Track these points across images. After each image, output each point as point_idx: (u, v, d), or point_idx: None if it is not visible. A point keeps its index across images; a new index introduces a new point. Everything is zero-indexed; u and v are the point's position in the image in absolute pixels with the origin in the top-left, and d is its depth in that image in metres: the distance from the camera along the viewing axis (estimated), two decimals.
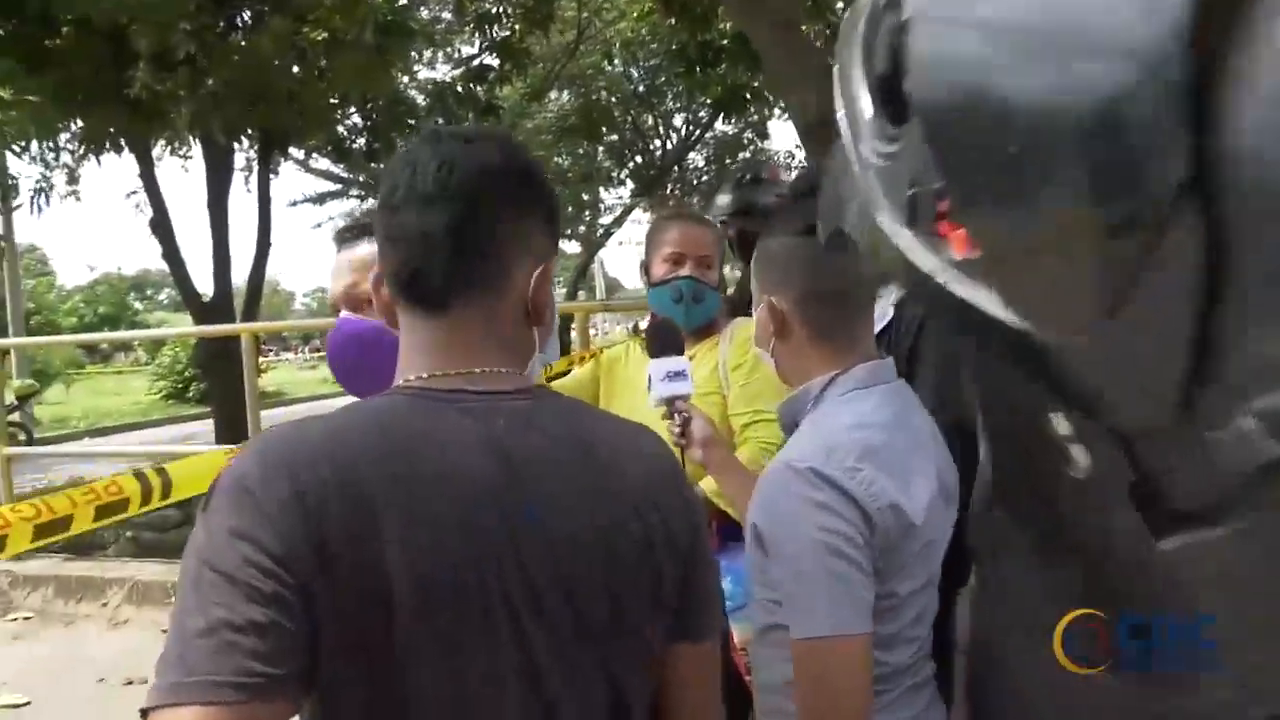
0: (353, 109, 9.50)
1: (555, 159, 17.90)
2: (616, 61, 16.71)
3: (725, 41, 7.83)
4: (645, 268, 2.17)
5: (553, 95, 16.18)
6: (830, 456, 1.24)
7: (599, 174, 18.58)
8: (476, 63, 8.90)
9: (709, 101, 10.27)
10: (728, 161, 21.44)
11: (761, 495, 1.28)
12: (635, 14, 11.52)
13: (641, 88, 18.21)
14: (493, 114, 9.00)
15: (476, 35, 8.84)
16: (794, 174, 3.16)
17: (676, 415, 1.77)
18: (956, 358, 1.96)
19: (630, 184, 20.60)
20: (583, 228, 19.91)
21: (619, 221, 20.41)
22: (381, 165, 12.32)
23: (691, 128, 20.48)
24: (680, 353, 1.84)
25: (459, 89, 8.77)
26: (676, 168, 20.68)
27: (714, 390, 2.03)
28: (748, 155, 20.93)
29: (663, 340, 1.85)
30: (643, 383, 2.04)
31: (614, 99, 16.62)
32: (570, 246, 21.59)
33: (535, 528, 0.83)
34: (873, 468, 1.23)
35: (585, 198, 19.12)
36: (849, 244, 0.99)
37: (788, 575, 1.21)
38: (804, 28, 4.61)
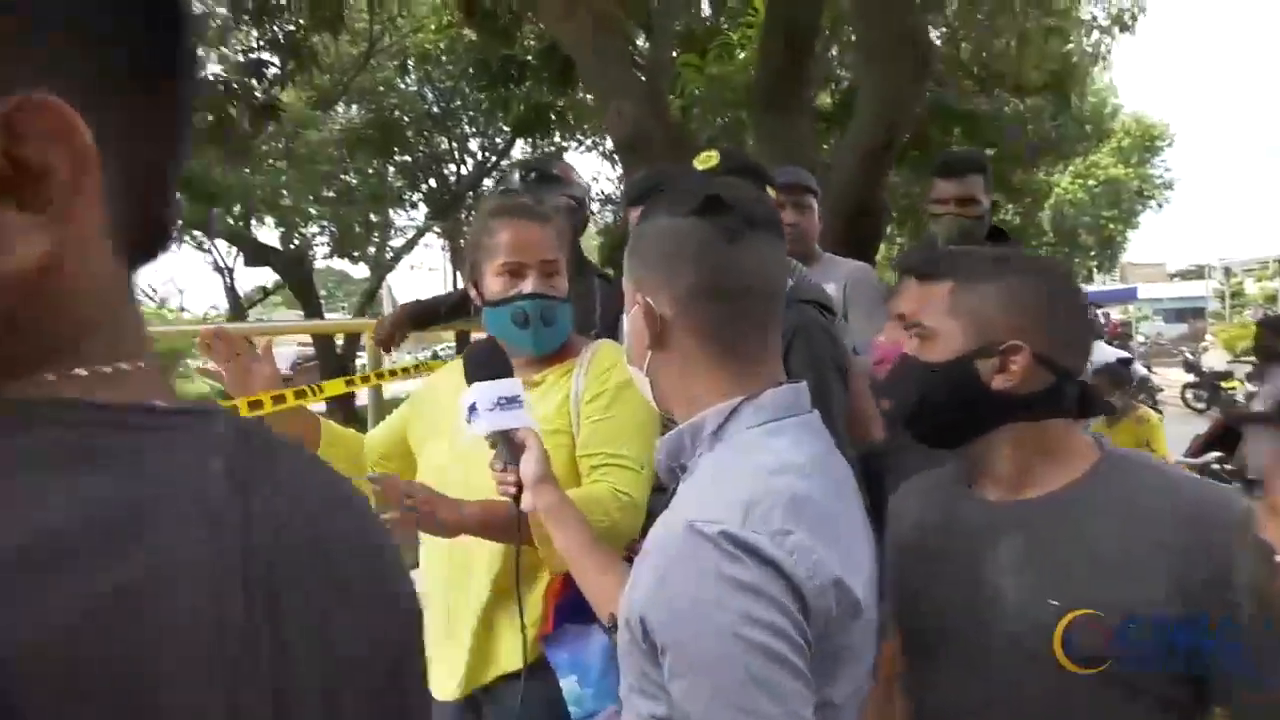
0: None
1: (343, 175, 16.84)
2: (411, 78, 16.03)
3: (529, 58, 7.52)
4: (474, 280, 1.75)
5: (340, 108, 15.23)
6: (749, 514, 0.88)
7: (390, 194, 17.66)
8: (254, 57, 8.05)
9: (509, 124, 9.91)
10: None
11: (653, 572, 0.90)
12: (434, 25, 10.99)
13: (437, 109, 17.58)
14: (270, 115, 8.16)
15: (254, 29, 8.02)
16: (580, 182, 2.80)
17: (504, 457, 1.37)
18: (837, 370, 1.72)
19: (424, 207, 19.81)
20: (371, 250, 18.82)
21: (410, 245, 19.51)
22: None
23: (488, 153, 20.01)
24: (508, 373, 1.44)
25: (233, 84, 7.88)
26: (471, 194, 20.12)
27: (562, 428, 1.64)
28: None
29: (486, 362, 1.45)
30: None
31: (407, 118, 15.88)
32: (358, 270, 20.40)
33: None
34: (805, 530, 0.89)
35: (375, 219, 18.08)
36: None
37: (697, 692, 0.83)
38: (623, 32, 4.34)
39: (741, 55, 4.87)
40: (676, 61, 4.79)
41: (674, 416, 1.08)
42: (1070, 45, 9.29)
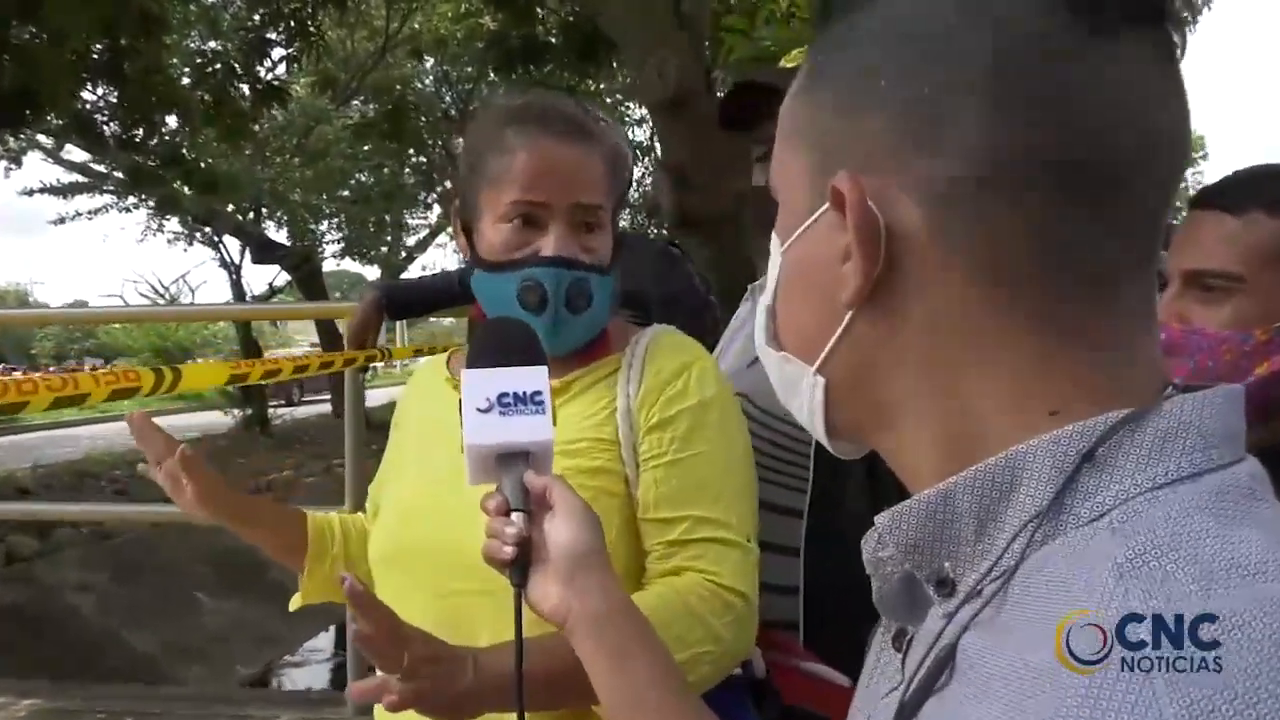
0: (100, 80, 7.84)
1: (357, 175, 16.40)
2: (427, 73, 15.60)
3: (550, 39, 6.98)
4: (464, 224, 1.11)
5: (356, 103, 14.78)
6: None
7: (402, 193, 17.19)
8: (255, 35, 7.54)
9: None
10: None
11: None
12: (450, 14, 10.49)
13: (454, 111, 17.16)
14: (275, 98, 7.64)
15: (260, 6, 7.51)
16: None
17: (506, 493, 0.78)
18: None
19: (438, 208, 19.39)
20: (384, 249, 18.35)
21: (424, 245, 19.03)
22: (140, 157, 10.62)
23: None
24: (534, 359, 0.85)
25: (233, 64, 7.36)
26: None
27: (605, 465, 1.01)
28: None
29: (498, 339, 0.88)
30: (450, 425, 1.06)
31: (425, 119, 15.43)
32: (372, 271, 19.96)
33: None
34: None
35: (387, 218, 17.62)
36: None
37: None
38: None
39: (792, 23, 4.31)
40: (719, 25, 4.24)
41: (887, 458, 0.51)
42: None
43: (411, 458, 1.12)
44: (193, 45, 10.19)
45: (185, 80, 8.40)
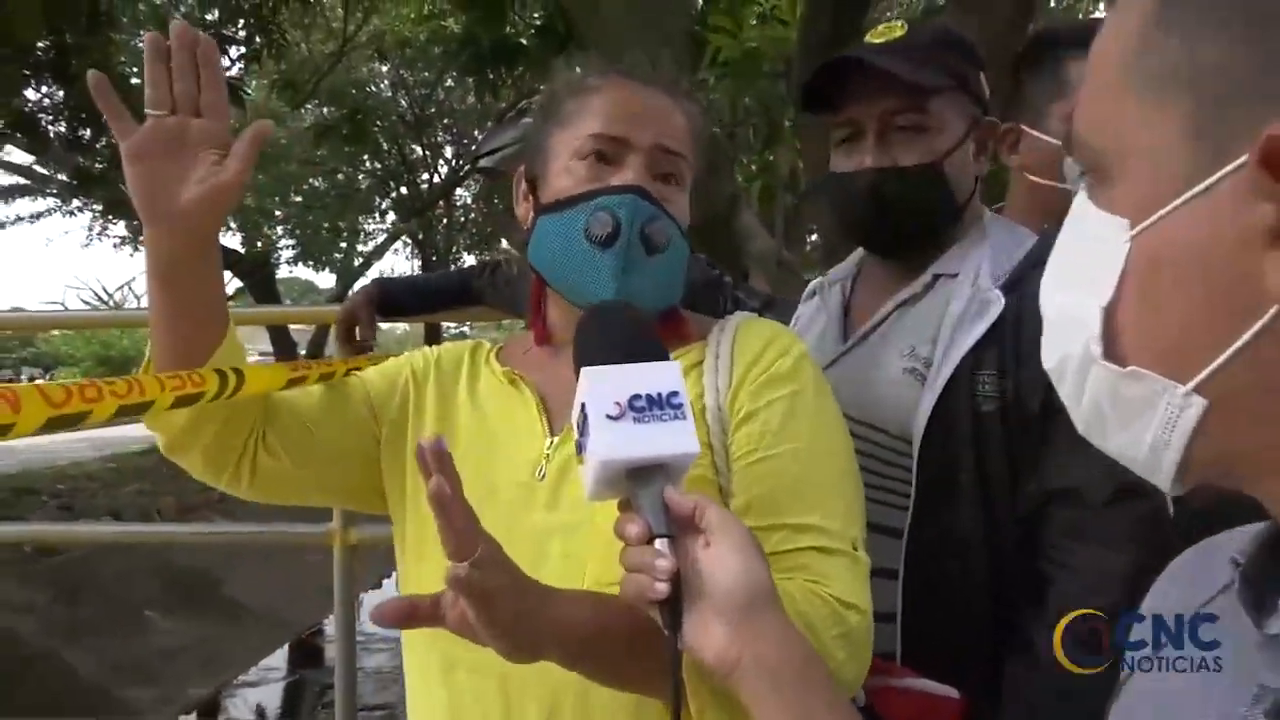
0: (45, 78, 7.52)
1: (311, 180, 16.05)
2: (385, 78, 15.36)
3: (523, 40, 6.85)
4: (528, 181, 0.98)
5: (310, 106, 14.46)
6: None
7: (358, 198, 16.87)
8: (213, 32, 7.28)
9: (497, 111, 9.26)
10: (496, 201, 20.42)
11: None
12: (413, 15, 10.29)
13: (411, 115, 16.92)
14: (232, 98, 7.38)
15: (217, 2, 7.26)
16: None
17: (647, 515, 0.65)
18: None
19: (393, 215, 19.08)
20: (339, 255, 17.97)
21: (381, 250, 18.69)
22: (87, 159, 10.21)
23: (463, 161, 19.32)
24: (658, 351, 0.73)
25: None
26: (443, 202, 19.44)
27: (700, 469, 0.86)
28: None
29: (610, 328, 0.76)
30: (516, 428, 0.95)
31: (381, 123, 15.17)
32: (324, 279, 19.53)
33: None
34: None
35: (342, 224, 17.26)
36: None
37: None
38: None
39: (782, 27, 4.23)
40: (706, 25, 4.15)
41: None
42: None
43: (468, 473, 0.98)
44: (141, 44, 9.83)
45: (136, 80, 8.09)
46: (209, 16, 7.74)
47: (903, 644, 1.04)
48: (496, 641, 0.68)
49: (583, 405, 0.67)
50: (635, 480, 0.66)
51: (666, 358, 0.72)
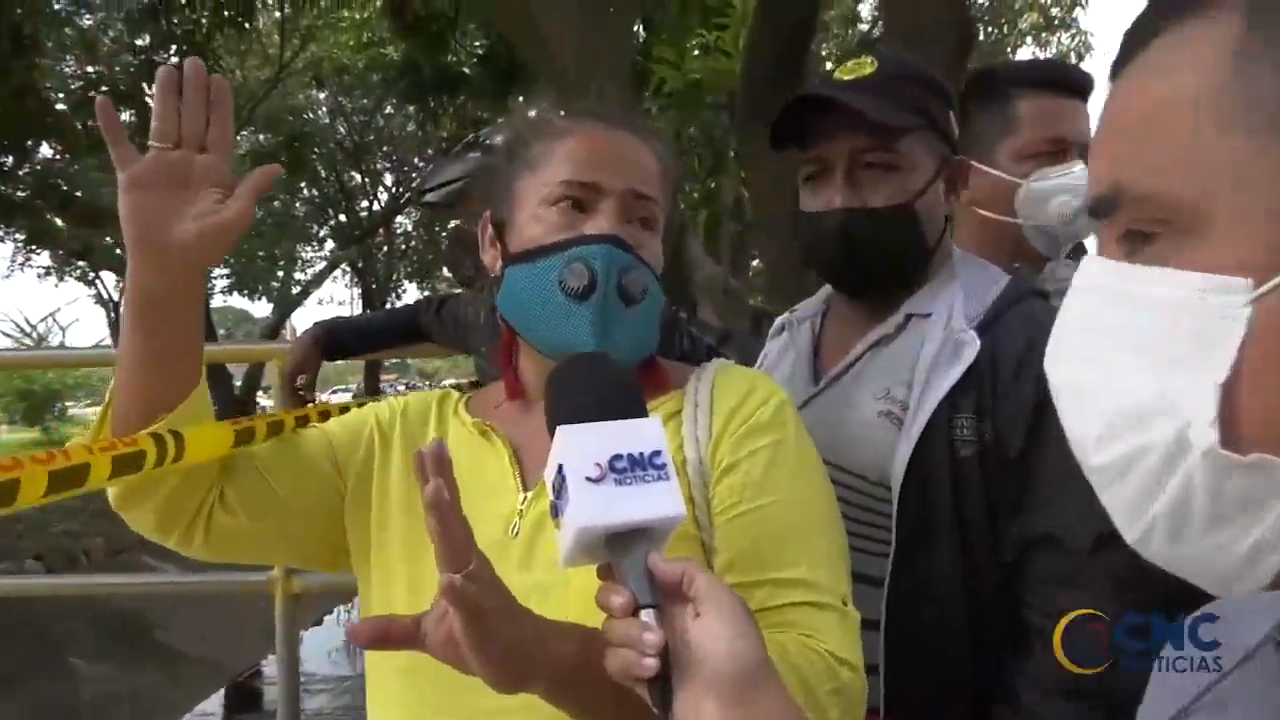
0: None
1: None
2: (323, 104, 15.17)
3: (465, 70, 6.82)
4: (494, 225, 0.95)
5: (245, 133, 14.20)
6: None
7: (294, 226, 16.58)
8: (144, 57, 7.10)
9: (438, 140, 9.16)
10: (437, 228, 20.24)
11: None
12: (352, 42, 10.19)
13: (350, 142, 16.75)
14: None
15: (148, 26, 7.09)
16: None
17: (630, 585, 0.60)
18: None
19: (332, 243, 18.80)
20: (275, 284, 17.60)
21: (320, 279, 18.36)
22: (9, 187, 9.84)
23: (402, 188, 19.14)
24: (637, 409, 0.68)
25: (119, 86, 6.90)
26: (383, 230, 19.23)
27: (682, 526, 0.76)
28: (460, 224, 19.92)
29: (585, 382, 0.71)
30: (487, 482, 0.90)
31: (318, 150, 14.97)
32: (260, 307, 19.10)
33: None
34: None
35: (279, 252, 16.93)
36: None
37: None
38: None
39: (725, 59, 4.27)
40: (649, 57, 4.15)
41: None
42: None
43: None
44: (68, 69, 9.55)
45: (61, 105, 7.85)
46: (139, 42, 7.57)
47: (886, 696, 1.01)
48: (486, 668, 0.63)
49: (559, 466, 0.63)
50: (616, 546, 0.61)
51: (645, 414, 0.68)
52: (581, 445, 0.63)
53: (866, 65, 1.12)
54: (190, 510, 0.90)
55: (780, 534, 0.82)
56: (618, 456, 0.62)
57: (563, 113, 0.95)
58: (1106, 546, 0.93)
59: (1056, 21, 12.37)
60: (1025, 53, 12.56)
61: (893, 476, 1.02)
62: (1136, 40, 0.42)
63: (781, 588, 0.80)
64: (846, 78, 1.11)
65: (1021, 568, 0.99)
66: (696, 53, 4.40)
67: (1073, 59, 11.79)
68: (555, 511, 0.64)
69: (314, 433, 1.00)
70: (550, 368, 0.88)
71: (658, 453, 0.63)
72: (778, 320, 1.31)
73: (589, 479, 0.61)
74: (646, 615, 0.59)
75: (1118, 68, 0.43)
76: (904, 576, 1.01)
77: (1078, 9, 12.32)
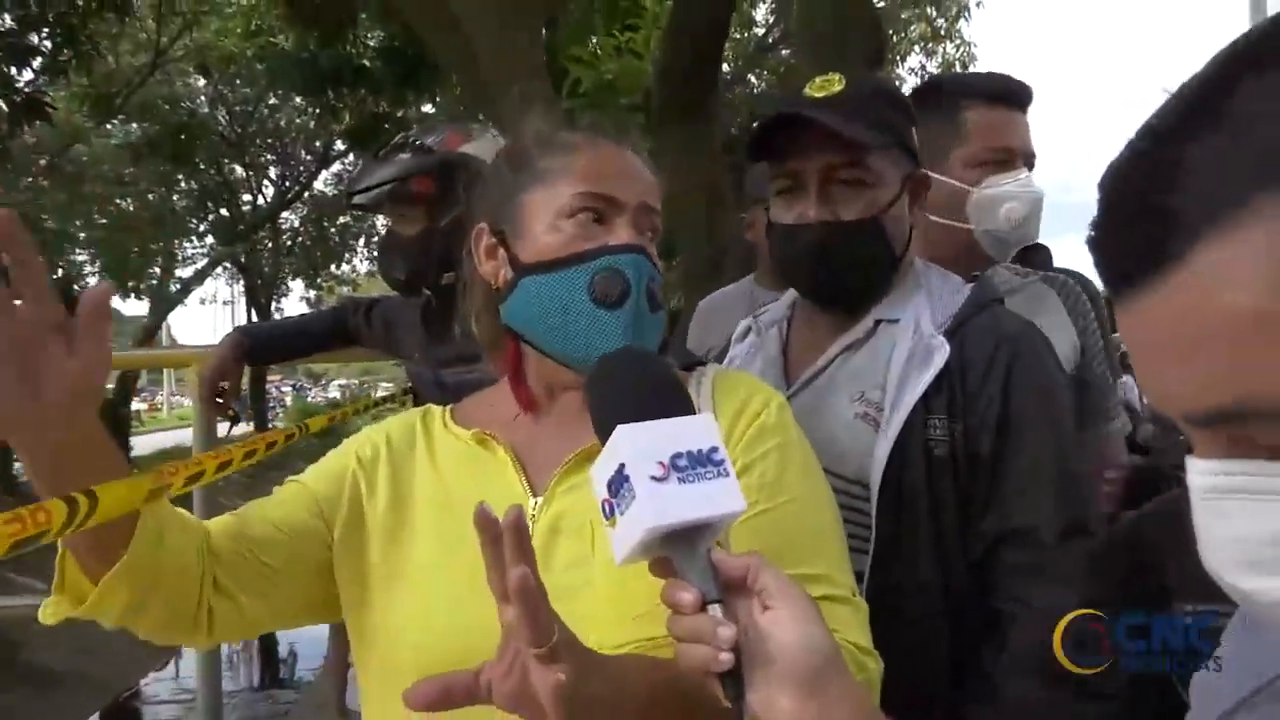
0: None
1: (118, 200, 14.84)
2: (202, 100, 14.51)
3: (365, 62, 6.64)
4: (496, 235, 0.94)
5: (116, 124, 13.44)
6: None
7: (172, 220, 15.77)
8: (10, 42, 6.64)
9: (338, 134, 8.88)
10: (326, 224, 19.59)
11: None
12: (240, 30, 9.78)
13: (231, 133, 16.03)
14: (37, 113, 6.75)
15: (17, 7, 6.63)
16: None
17: (694, 580, 0.62)
18: None
19: (212, 238, 17.95)
20: (153, 282, 16.69)
21: (201, 276, 17.53)
22: None
23: (290, 183, 18.46)
24: (686, 406, 0.70)
25: None
26: (269, 224, 18.51)
27: None
28: (348, 221, 19.36)
29: (633, 379, 0.72)
30: (490, 491, 0.87)
31: (199, 142, 14.28)
32: (132, 306, 18.12)
33: None
34: None
35: (154, 246, 16.05)
36: None
37: None
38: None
39: (637, 61, 4.29)
40: (565, 56, 4.15)
41: None
42: None
43: (433, 549, 0.91)
44: None
45: None
46: (5, 22, 7.07)
47: None
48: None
49: (620, 466, 0.63)
50: (676, 542, 0.63)
51: (694, 410, 0.70)
52: (643, 444, 0.63)
53: (835, 83, 1.17)
54: (190, 609, 0.86)
55: (797, 531, 0.87)
56: (679, 455, 0.63)
57: (565, 128, 0.98)
58: (1073, 536, 1.00)
59: (943, 32, 12.91)
60: (914, 61, 13.04)
61: (872, 475, 1.06)
62: (1160, 254, 0.39)
63: (803, 584, 0.82)
64: (818, 95, 1.15)
65: (993, 560, 1.05)
66: (611, 53, 4.42)
67: (957, 68, 12.29)
68: (609, 511, 0.64)
69: (293, 489, 0.97)
70: (564, 376, 0.90)
71: (715, 449, 0.65)
72: (741, 324, 1.34)
73: (654, 478, 0.62)
74: (715, 610, 0.61)
75: (1145, 271, 0.39)
76: (883, 571, 1.05)
77: (961, 21, 12.89)
